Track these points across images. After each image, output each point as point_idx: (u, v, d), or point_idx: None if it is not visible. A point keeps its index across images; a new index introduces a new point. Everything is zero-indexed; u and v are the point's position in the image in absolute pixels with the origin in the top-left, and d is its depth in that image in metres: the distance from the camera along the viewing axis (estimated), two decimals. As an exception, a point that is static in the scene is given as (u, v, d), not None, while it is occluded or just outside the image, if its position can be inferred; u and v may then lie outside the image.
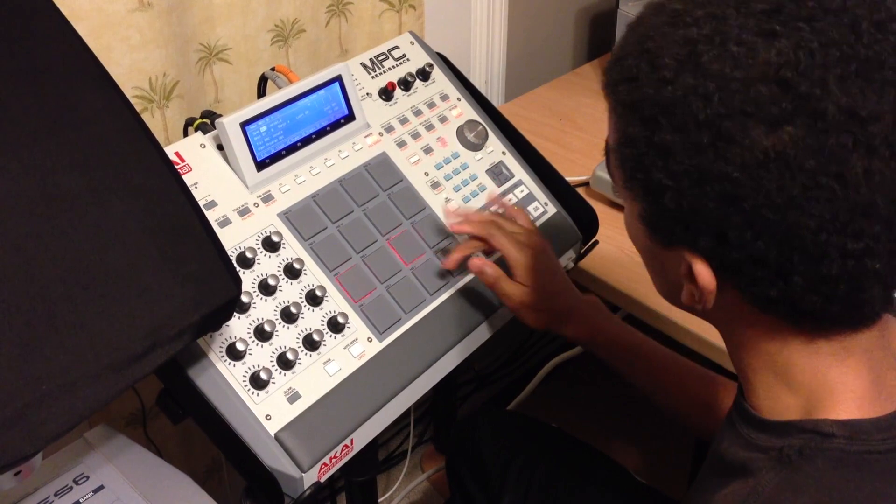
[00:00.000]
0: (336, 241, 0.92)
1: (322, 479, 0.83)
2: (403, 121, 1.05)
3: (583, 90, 1.63)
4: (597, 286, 1.18)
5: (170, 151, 0.88)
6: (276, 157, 0.92)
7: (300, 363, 0.84)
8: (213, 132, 0.92)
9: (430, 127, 1.06)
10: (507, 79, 1.69)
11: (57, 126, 0.67)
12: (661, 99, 0.57)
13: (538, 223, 1.07)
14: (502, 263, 0.94)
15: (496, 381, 1.91)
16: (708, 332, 1.05)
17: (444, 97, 1.09)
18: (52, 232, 0.63)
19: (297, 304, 0.86)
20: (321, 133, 0.96)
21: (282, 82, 1.00)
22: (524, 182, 1.09)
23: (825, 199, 0.53)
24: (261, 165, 0.91)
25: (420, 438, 1.79)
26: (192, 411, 0.84)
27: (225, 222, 0.88)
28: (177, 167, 0.81)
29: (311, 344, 0.85)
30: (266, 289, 0.85)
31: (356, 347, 0.88)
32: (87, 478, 0.85)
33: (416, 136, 1.04)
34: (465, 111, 1.10)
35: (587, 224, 1.10)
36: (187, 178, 0.87)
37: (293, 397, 0.82)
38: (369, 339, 0.89)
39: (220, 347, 0.81)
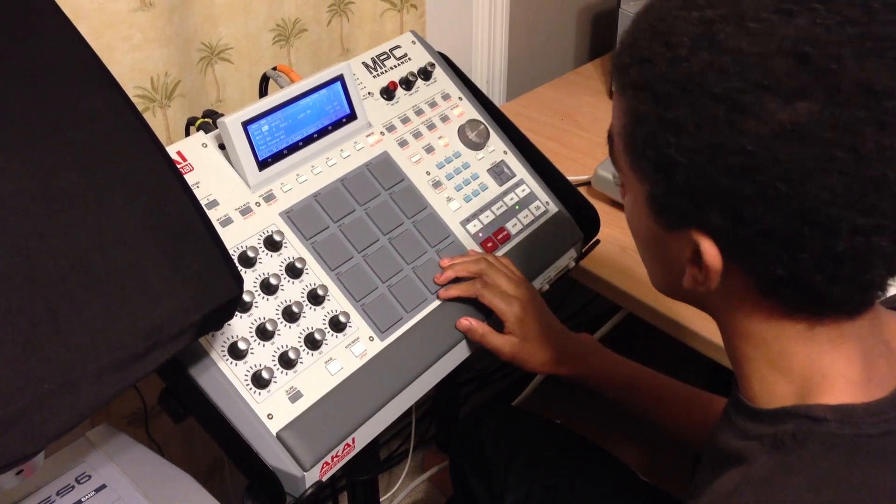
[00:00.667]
0: (338, 240, 0.93)
1: (324, 479, 0.83)
2: (405, 120, 1.05)
3: (584, 89, 1.63)
4: (598, 285, 1.18)
5: (172, 151, 0.88)
6: (277, 157, 0.92)
7: (302, 362, 0.84)
8: (214, 131, 0.92)
9: (431, 126, 1.06)
10: (509, 78, 1.69)
11: (59, 125, 0.67)
12: (676, 75, 0.57)
13: (539, 222, 1.07)
14: None
15: (497, 381, 1.91)
16: (708, 331, 1.05)
17: (446, 96, 1.09)
18: (54, 231, 0.63)
19: (298, 304, 0.86)
20: (323, 132, 0.96)
21: (283, 82, 1.00)
22: (525, 181, 1.09)
23: (838, 171, 0.54)
24: (262, 165, 0.91)
25: (422, 438, 1.79)
26: (193, 410, 0.84)
27: (227, 221, 0.88)
28: (179, 166, 0.81)
29: (312, 343, 0.85)
30: (268, 288, 0.86)
31: (358, 346, 0.88)
32: (89, 477, 0.85)
33: (417, 135, 1.05)
34: (466, 110, 1.10)
35: (588, 223, 1.10)
36: (189, 178, 0.87)
37: (295, 396, 0.82)
38: (371, 339, 0.89)
39: (222, 346, 0.81)
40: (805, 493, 0.57)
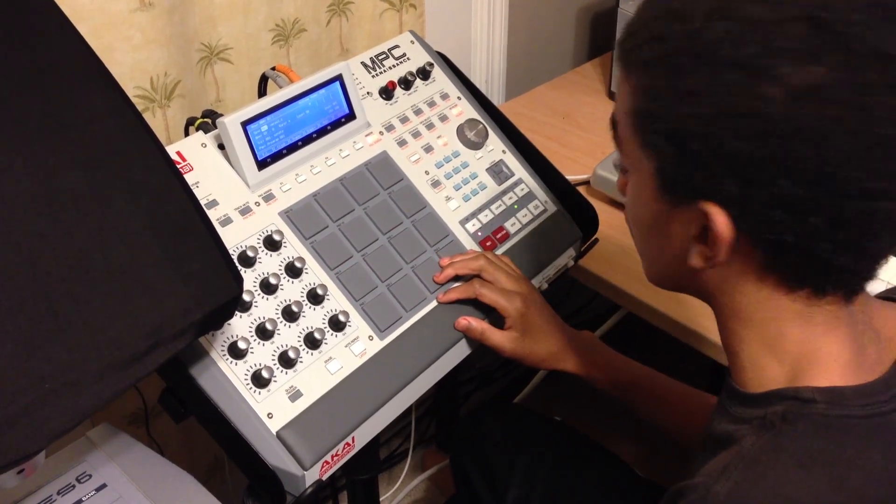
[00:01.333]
0: (337, 239, 0.93)
1: (324, 478, 0.83)
2: (404, 120, 1.05)
3: (583, 89, 1.64)
4: (597, 284, 1.18)
5: (171, 151, 0.88)
6: (277, 156, 0.92)
7: (301, 361, 0.84)
8: (214, 131, 0.92)
9: (430, 126, 1.06)
10: (508, 77, 1.69)
11: (59, 125, 0.67)
12: (691, 47, 0.58)
13: (538, 221, 1.07)
14: None
15: (497, 380, 1.91)
16: (708, 331, 1.06)
17: (445, 96, 1.10)
18: (55, 230, 0.63)
19: (298, 303, 0.86)
20: (322, 132, 0.97)
21: (283, 81, 1.00)
22: (524, 180, 1.09)
23: (852, 132, 0.55)
24: (262, 164, 0.91)
25: (422, 437, 1.79)
26: (194, 410, 0.85)
27: (226, 221, 0.88)
28: (178, 166, 0.81)
29: (312, 342, 0.85)
30: (267, 287, 0.86)
31: (357, 346, 0.88)
32: (90, 476, 0.86)
33: (416, 134, 1.05)
34: (465, 110, 1.10)
35: (587, 222, 1.10)
36: (189, 178, 0.88)
37: (295, 395, 0.82)
38: (370, 338, 0.89)
39: (222, 346, 0.81)
40: (794, 471, 0.58)
